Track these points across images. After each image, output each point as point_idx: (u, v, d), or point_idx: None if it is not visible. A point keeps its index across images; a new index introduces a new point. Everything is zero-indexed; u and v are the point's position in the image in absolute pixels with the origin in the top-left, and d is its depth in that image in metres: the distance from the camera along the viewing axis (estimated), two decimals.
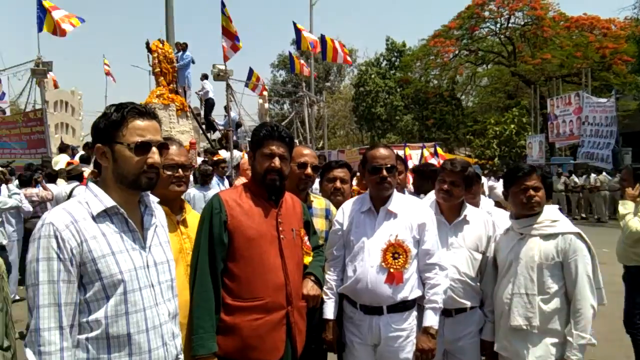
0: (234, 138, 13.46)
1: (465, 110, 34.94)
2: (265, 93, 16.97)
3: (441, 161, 9.52)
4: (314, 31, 19.30)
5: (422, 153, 11.11)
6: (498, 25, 29.55)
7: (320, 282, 2.64)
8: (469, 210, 3.03)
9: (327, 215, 3.07)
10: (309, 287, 2.55)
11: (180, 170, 2.45)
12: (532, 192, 2.75)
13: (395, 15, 77.40)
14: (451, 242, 2.95)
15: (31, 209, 7.28)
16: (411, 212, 2.78)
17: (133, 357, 1.70)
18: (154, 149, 1.79)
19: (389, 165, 2.76)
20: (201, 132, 15.64)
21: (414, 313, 2.74)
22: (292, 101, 33.18)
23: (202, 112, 16.37)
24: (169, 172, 2.38)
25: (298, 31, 15.03)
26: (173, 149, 2.38)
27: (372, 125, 36.05)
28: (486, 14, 28.85)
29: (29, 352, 1.59)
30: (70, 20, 12.81)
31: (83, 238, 1.66)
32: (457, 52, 30.57)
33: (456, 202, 2.99)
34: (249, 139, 12.93)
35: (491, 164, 23.94)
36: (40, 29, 12.61)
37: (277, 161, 2.40)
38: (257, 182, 2.46)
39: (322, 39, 15.49)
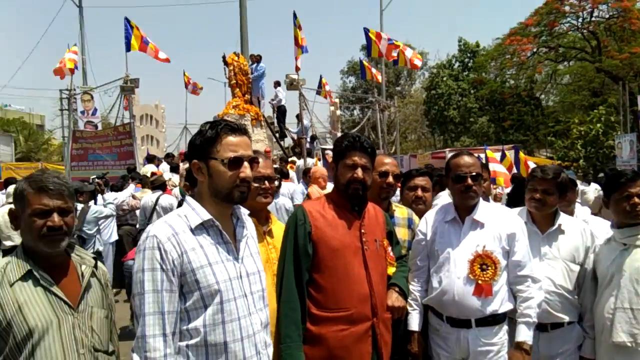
0: (307, 146, 13.66)
1: (546, 110, 33.15)
2: (336, 100, 17.08)
3: (531, 165, 9.05)
4: (383, 31, 19.18)
5: (502, 155, 10.61)
6: (580, 20, 27.81)
7: (404, 293, 2.60)
8: (563, 219, 2.87)
9: (410, 225, 3.03)
10: (394, 299, 2.52)
11: (266, 182, 2.52)
12: (636, 199, 2.56)
13: (468, 16, 75.38)
14: (544, 253, 2.81)
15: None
16: (499, 222, 2.67)
17: None
18: (245, 163, 1.86)
19: (474, 174, 2.68)
20: (274, 140, 16.04)
21: (505, 327, 2.63)
22: (363, 107, 33.19)
23: (275, 120, 16.77)
24: (256, 184, 2.45)
25: (369, 38, 15.00)
26: (260, 161, 2.45)
27: (445, 128, 35.19)
28: (566, 8, 27.23)
29: (136, 358, 1.70)
30: (157, 55, 13.66)
31: (183, 250, 1.76)
32: (535, 49, 29.10)
33: (550, 211, 2.84)
34: (322, 147, 13.14)
35: (576, 166, 22.54)
36: (128, 49, 13.52)
37: (359, 172, 2.39)
38: (340, 193, 2.47)
39: (390, 42, 15.33)
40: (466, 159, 2.74)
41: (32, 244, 1.88)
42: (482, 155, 9.20)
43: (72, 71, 14.76)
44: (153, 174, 10.09)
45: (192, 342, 1.75)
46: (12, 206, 1.94)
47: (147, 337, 1.69)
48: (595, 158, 23.69)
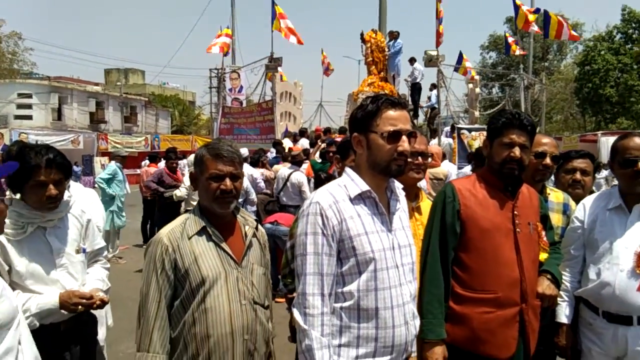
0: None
1: None
2: (477, 77, 16.24)
3: None
4: (534, 5, 17.66)
5: None
6: None
7: (557, 281, 2.46)
8: None
9: (565, 211, 2.82)
10: (545, 286, 2.39)
11: (420, 157, 2.54)
12: None
13: None
14: None
15: (264, 187, 8.36)
16: None
17: (379, 330, 1.84)
18: (404, 137, 1.89)
19: None
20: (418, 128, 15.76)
21: None
22: (503, 85, 31.08)
23: (409, 98, 16.50)
24: (409, 159, 2.47)
25: (517, 7, 13.93)
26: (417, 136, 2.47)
27: (599, 108, 31.55)
28: None
29: (296, 312, 1.86)
30: (293, 33, 14.14)
31: (342, 217, 1.86)
32: None
33: None
34: (457, 126, 12.63)
35: None
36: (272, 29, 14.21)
37: (517, 150, 2.27)
38: (494, 172, 2.38)
39: (546, 14, 14.07)
40: (637, 141, 2.46)
41: (207, 204, 2.12)
42: None
43: (224, 53, 16.03)
44: (290, 149, 10.61)
45: (346, 304, 1.86)
46: (192, 169, 2.21)
47: (307, 295, 1.83)
48: None
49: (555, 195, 2.85)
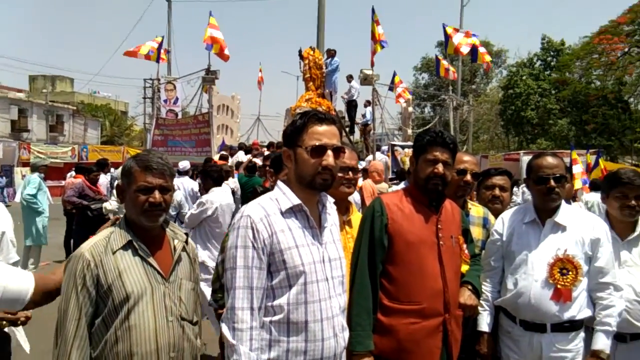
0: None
1: (634, 115, 30.85)
2: (409, 97, 16.86)
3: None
4: (463, 28, 18.64)
5: (595, 164, 10.05)
6: None
7: (477, 292, 2.59)
8: None
9: (485, 224, 2.99)
10: (466, 296, 2.51)
11: (350, 172, 2.59)
12: None
13: (552, 13, 71.53)
14: (625, 260, 2.70)
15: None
16: (582, 226, 2.59)
17: (308, 343, 1.86)
18: (329, 152, 1.92)
19: (557, 175, 2.60)
20: (344, 134, 16.09)
21: (582, 334, 2.55)
22: (435, 105, 32.44)
23: (345, 115, 16.82)
24: (340, 174, 2.51)
25: (446, 34, 14.67)
26: (346, 152, 2.49)
27: (521, 129, 33.67)
28: None
29: (224, 327, 1.84)
30: (221, 47, 13.81)
31: (273, 230, 1.87)
32: (626, 49, 27.14)
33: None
34: (391, 143, 13.04)
35: None
36: (209, 48, 13.94)
37: (440, 167, 2.38)
38: (419, 188, 2.48)
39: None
40: (550, 160, 2.66)
41: (135, 217, 2.05)
42: (567, 160, 8.79)
43: (155, 60, 15.54)
44: (214, 161, 10.46)
45: (276, 318, 1.86)
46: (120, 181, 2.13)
47: (236, 309, 1.81)
48: None
49: (476, 210, 3.01)
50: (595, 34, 27.67)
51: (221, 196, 5.33)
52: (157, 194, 2.01)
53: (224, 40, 13.84)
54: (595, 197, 8.09)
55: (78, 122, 42.32)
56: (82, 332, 1.92)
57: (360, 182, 7.84)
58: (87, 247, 1.99)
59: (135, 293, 1.95)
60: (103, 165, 8.81)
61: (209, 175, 5.34)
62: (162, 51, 16.22)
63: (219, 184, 5.44)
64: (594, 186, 8.88)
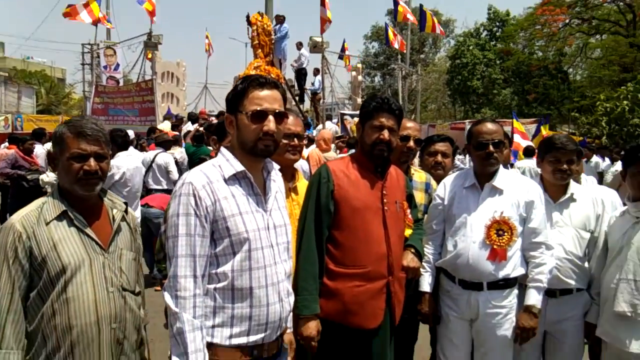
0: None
1: (572, 85, 32.28)
2: (359, 65, 16.87)
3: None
4: (413, 1, 18.75)
5: (537, 131, 10.43)
6: None
7: (420, 255, 2.67)
8: (575, 188, 2.89)
9: (427, 189, 3.07)
10: (409, 259, 2.59)
11: (295, 139, 2.56)
12: None
13: None
14: (556, 221, 2.85)
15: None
16: (518, 189, 2.71)
17: (253, 309, 1.87)
18: (270, 117, 1.89)
19: (496, 141, 2.70)
20: (294, 103, 15.99)
21: (515, 291, 2.70)
22: (384, 74, 32.67)
23: (295, 83, 16.67)
24: (285, 141, 2.48)
25: (396, 2, 14.67)
26: (290, 119, 2.45)
27: (467, 99, 34.57)
28: None
29: (167, 296, 1.81)
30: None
31: (216, 197, 1.84)
32: (567, 21, 28.11)
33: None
34: (341, 112, 13.07)
35: (598, 143, 22.04)
36: (141, 2, 13.25)
37: (386, 133, 2.41)
38: (365, 154, 2.50)
39: (421, 9, 15.01)
40: (489, 126, 2.75)
41: (68, 186, 1.96)
42: (507, 128, 9.09)
43: (94, 23, 14.67)
44: (160, 131, 10.16)
45: (220, 285, 1.85)
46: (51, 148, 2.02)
47: (179, 277, 1.79)
48: (619, 136, 23.21)
49: (419, 175, 3.09)
50: (538, 5, 28.45)
51: (127, 160, 5.56)
52: (92, 161, 1.93)
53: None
54: (527, 163, 8.43)
55: (11, 90, 39.67)
56: (15, 306, 1.84)
57: (307, 151, 7.87)
58: (18, 218, 1.89)
59: (72, 264, 1.88)
60: (40, 136, 8.36)
61: (114, 141, 5.40)
62: (102, 15, 15.33)
63: (125, 148, 5.67)
64: (527, 152, 9.28)
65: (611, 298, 2.62)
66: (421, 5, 15.38)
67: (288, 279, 2.04)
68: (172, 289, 1.80)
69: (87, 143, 1.93)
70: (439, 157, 3.35)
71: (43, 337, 1.87)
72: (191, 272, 1.80)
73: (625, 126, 23.17)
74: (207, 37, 21.38)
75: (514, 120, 10.13)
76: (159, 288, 6.48)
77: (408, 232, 2.69)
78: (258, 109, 1.87)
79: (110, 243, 2.02)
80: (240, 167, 1.90)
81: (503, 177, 2.74)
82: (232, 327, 1.85)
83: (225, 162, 1.92)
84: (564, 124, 32.40)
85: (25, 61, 46.36)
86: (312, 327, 2.29)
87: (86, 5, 14.36)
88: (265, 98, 1.89)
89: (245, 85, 1.91)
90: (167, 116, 13.25)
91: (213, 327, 1.85)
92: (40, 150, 9.12)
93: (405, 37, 21.51)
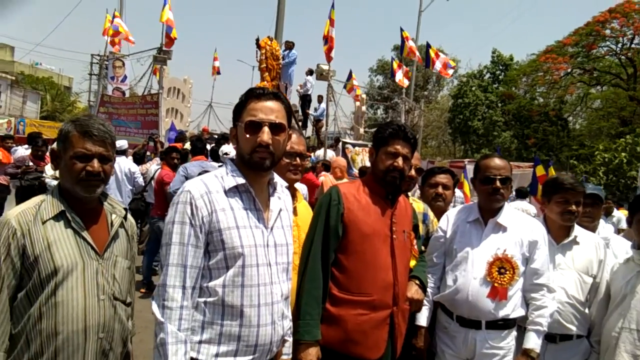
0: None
1: (572, 133, 32.66)
2: (363, 96, 17.02)
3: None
4: (420, 37, 19.06)
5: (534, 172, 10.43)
6: (619, 45, 27.26)
7: (424, 287, 2.60)
8: (578, 231, 2.86)
9: (425, 220, 3.05)
10: (414, 291, 2.52)
11: (297, 158, 2.51)
12: None
13: (505, 28, 74.33)
14: (558, 263, 2.80)
15: (142, 184, 7.90)
16: (522, 228, 2.67)
17: (243, 328, 1.79)
18: (264, 128, 1.84)
19: (503, 177, 2.67)
20: (297, 128, 16.01)
21: (514, 333, 2.63)
22: (387, 107, 32.94)
23: (299, 109, 16.76)
24: (287, 160, 2.45)
25: (403, 38, 14.91)
26: (293, 137, 2.40)
27: (467, 138, 34.86)
28: (607, 32, 26.72)
29: (154, 305, 1.74)
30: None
31: (214, 208, 1.79)
32: (569, 70, 28.63)
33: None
34: (343, 140, 13.09)
35: None
36: (169, 30, 13.45)
37: (400, 161, 2.38)
38: (377, 179, 2.46)
39: (427, 47, 15.24)
40: (497, 162, 2.73)
41: (69, 186, 1.91)
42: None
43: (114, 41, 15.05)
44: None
45: (210, 299, 1.78)
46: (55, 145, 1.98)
47: (167, 287, 1.73)
48: (616, 187, 23.36)
49: (417, 205, 3.05)
50: (541, 53, 29.04)
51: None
52: (95, 162, 1.89)
53: (174, 21, 13.39)
54: (520, 205, 8.59)
55: (16, 94, 39.86)
56: (2, 306, 1.78)
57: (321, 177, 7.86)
58: (14, 214, 1.84)
59: (64, 267, 1.82)
60: (32, 139, 8.36)
61: None
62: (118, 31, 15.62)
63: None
64: (520, 194, 9.39)
65: (612, 347, 2.55)
66: (427, 43, 15.63)
67: (285, 301, 1.96)
68: (160, 297, 1.74)
69: (93, 143, 1.89)
70: (440, 189, 3.33)
71: (27, 341, 1.80)
72: (180, 282, 1.74)
73: (623, 178, 23.34)
74: (215, 57, 21.59)
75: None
76: (143, 290, 6.40)
77: (412, 263, 2.63)
78: (252, 119, 1.84)
79: (106, 249, 1.96)
80: (241, 180, 1.86)
81: (508, 214, 2.71)
82: (220, 345, 1.78)
83: (228, 174, 1.88)
84: (562, 171, 32.61)
85: (34, 67, 46.70)
86: (313, 354, 2.19)
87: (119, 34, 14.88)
88: (261, 109, 1.86)
89: (245, 97, 1.90)
90: (183, 136, 13.25)
91: (200, 342, 1.77)
92: (22, 152, 9.07)
93: (410, 71, 21.80)
